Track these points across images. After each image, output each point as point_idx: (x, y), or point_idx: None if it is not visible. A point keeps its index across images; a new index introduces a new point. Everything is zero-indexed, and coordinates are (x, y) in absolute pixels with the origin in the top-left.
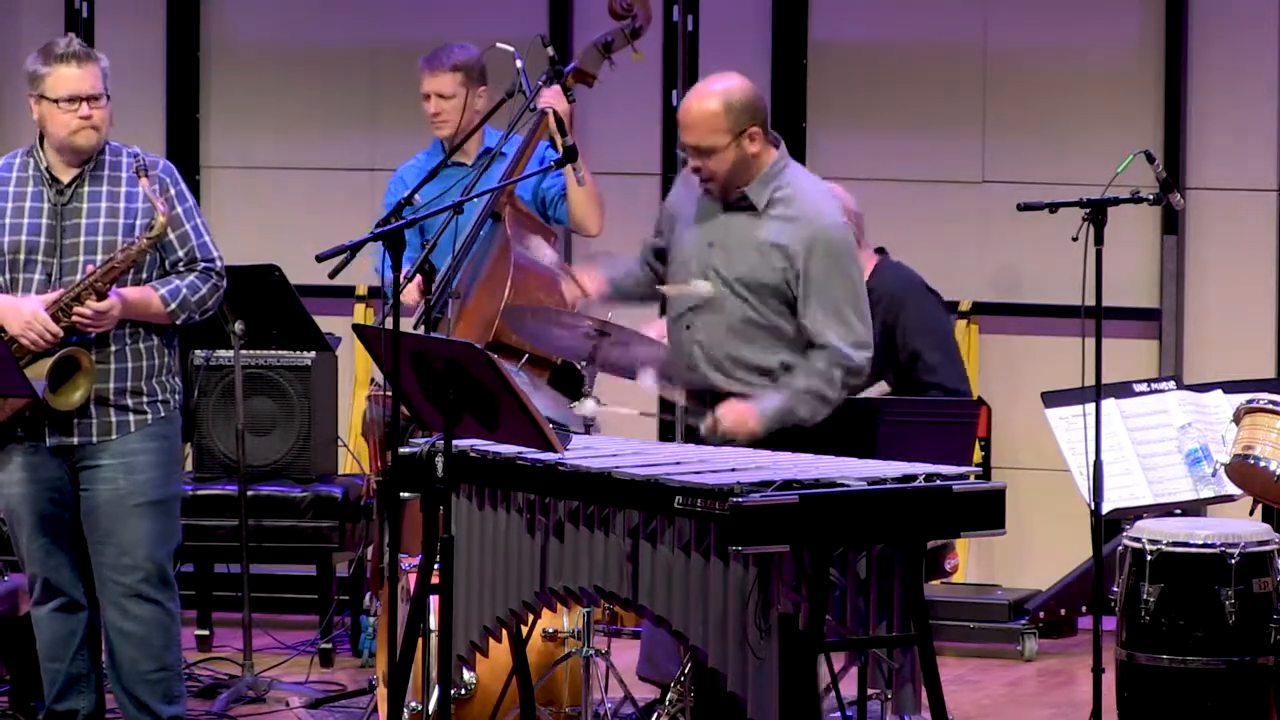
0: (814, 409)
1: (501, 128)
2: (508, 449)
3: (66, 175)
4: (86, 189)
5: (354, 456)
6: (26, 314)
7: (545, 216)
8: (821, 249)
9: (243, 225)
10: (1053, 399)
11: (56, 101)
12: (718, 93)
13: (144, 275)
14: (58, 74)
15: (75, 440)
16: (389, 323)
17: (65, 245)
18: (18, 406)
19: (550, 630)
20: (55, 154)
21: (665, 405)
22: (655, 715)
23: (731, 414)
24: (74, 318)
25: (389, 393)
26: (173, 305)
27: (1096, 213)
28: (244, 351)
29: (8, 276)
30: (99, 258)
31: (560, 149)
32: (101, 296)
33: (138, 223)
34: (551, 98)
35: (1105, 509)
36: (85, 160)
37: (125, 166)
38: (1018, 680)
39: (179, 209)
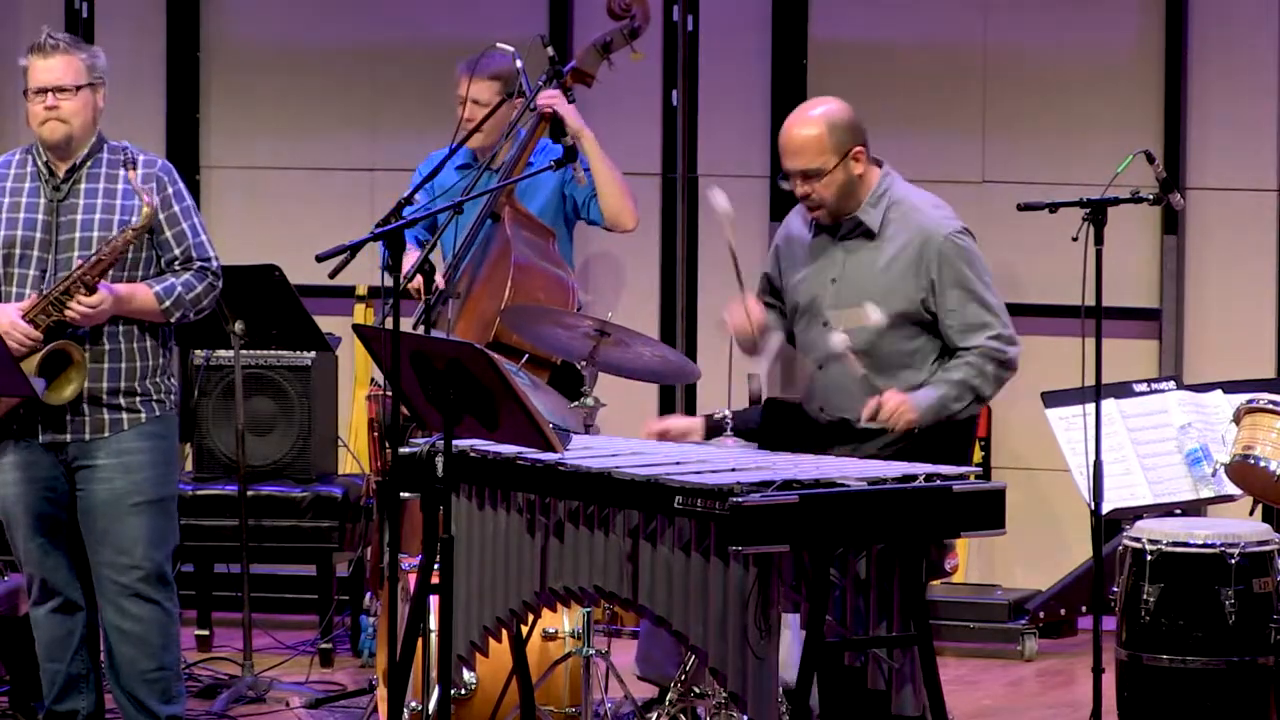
0: (968, 403)
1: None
2: (508, 449)
3: (62, 171)
4: (83, 185)
5: (354, 456)
6: (5, 324)
7: (574, 219)
8: (950, 255)
9: (243, 225)
10: (1053, 399)
11: (27, 93)
12: (818, 116)
13: (139, 274)
14: (31, 65)
15: (68, 438)
16: (389, 323)
17: (60, 241)
18: (12, 404)
19: (550, 630)
20: (45, 149)
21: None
22: (655, 715)
23: (891, 402)
24: (65, 313)
25: (389, 393)
26: (167, 302)
27: (1096, 213)
28: (244, 351)
29: (3, 271)
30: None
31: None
32: (91, 290)
33: (132, 219)
34: (550, 99)
35: (1105, 509)
36: (74, 155)
37: (121, 163)
38: (1018, 680)
39: (175, 208)
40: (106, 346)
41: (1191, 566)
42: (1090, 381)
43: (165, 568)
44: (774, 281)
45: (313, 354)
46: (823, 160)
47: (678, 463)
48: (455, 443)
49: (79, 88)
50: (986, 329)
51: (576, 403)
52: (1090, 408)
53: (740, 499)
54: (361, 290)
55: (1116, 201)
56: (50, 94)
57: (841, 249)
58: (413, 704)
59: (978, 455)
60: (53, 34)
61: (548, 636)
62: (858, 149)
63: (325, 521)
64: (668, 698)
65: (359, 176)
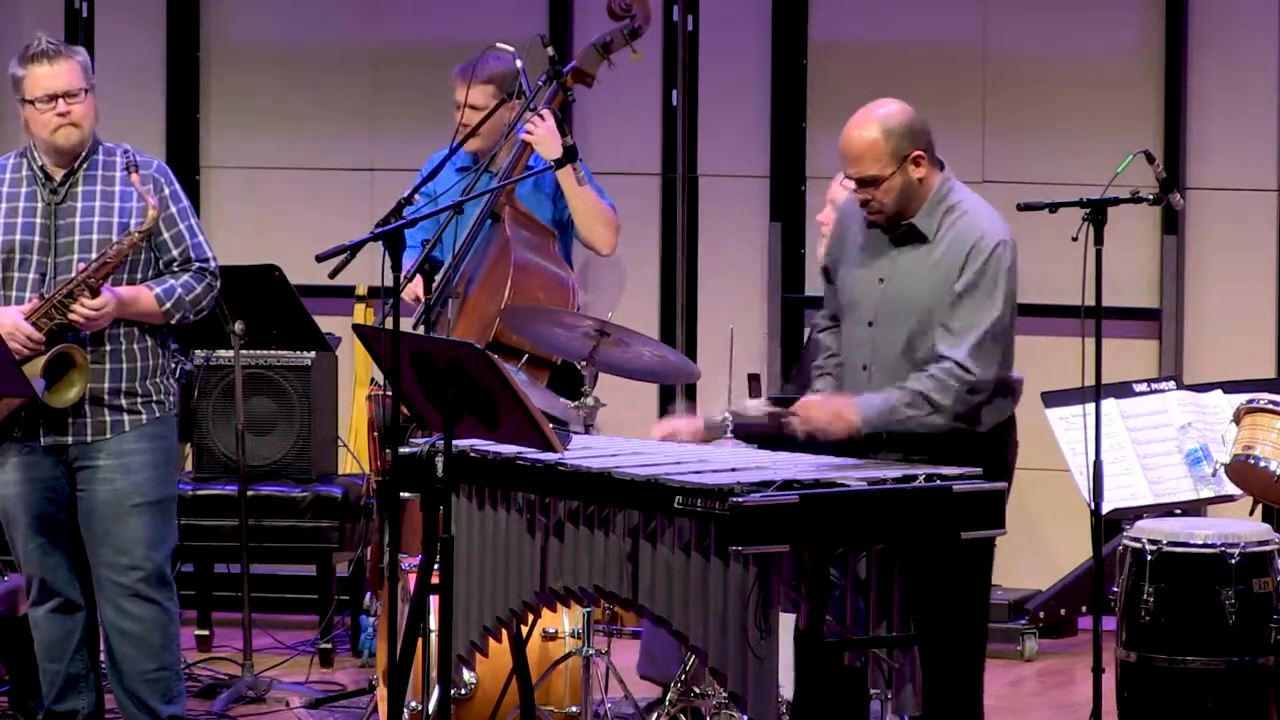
0: (923, 414)
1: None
2: (508, 449)
3: (59, 174)
4: (80, 188)
5: (354, 456)
6: (8, 325)
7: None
8: (978, 255)
9: (243, 225)
10: (1053, 399)
11: (34, 102)
12: (876, 120)
13: (138, 276)
14: (32, 74)
15: (70, 440)
16: (389, 323)
17: (59, 244)
18: (14, 406)
19: (550, 630)
20: (46, 154)
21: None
22: (655, 715)
23: (823, 410)
24: (69, 316)
25: (389, 393)
26: (167, 304)
27: (1096, 213)
28: (244, 351)
29: (2, 275)
30: (93, 256)
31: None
32: (95, 294)
33: (132, 221)
34: (531, 132)
35: (1105, 509)
36: (76, 159)
37: (119, 165)
38: (1018, 680)
39: (173, 209)
40: (107, 347)
41: (1191, 566)
42: (1090, 381)
43: (165, 568)
44: (830, 273)
45: (313, 354)
46: (879, 167)
47: (678, 463)
48: (455, 443)
49: (85, 91)
50: (965, 346)
51: (577, 403)
52: (1090, 408)
53: (740, 499)
54: (361, 290)
55: (1116, 201)
56: (61, 100)
57: (895, 251)
58: (413, 704)
59: None
60: (48, 40)
61: (548, 636)
62: (917, 153)
63: (325, 521)
64: (668, 698)
65: (359, 176)
